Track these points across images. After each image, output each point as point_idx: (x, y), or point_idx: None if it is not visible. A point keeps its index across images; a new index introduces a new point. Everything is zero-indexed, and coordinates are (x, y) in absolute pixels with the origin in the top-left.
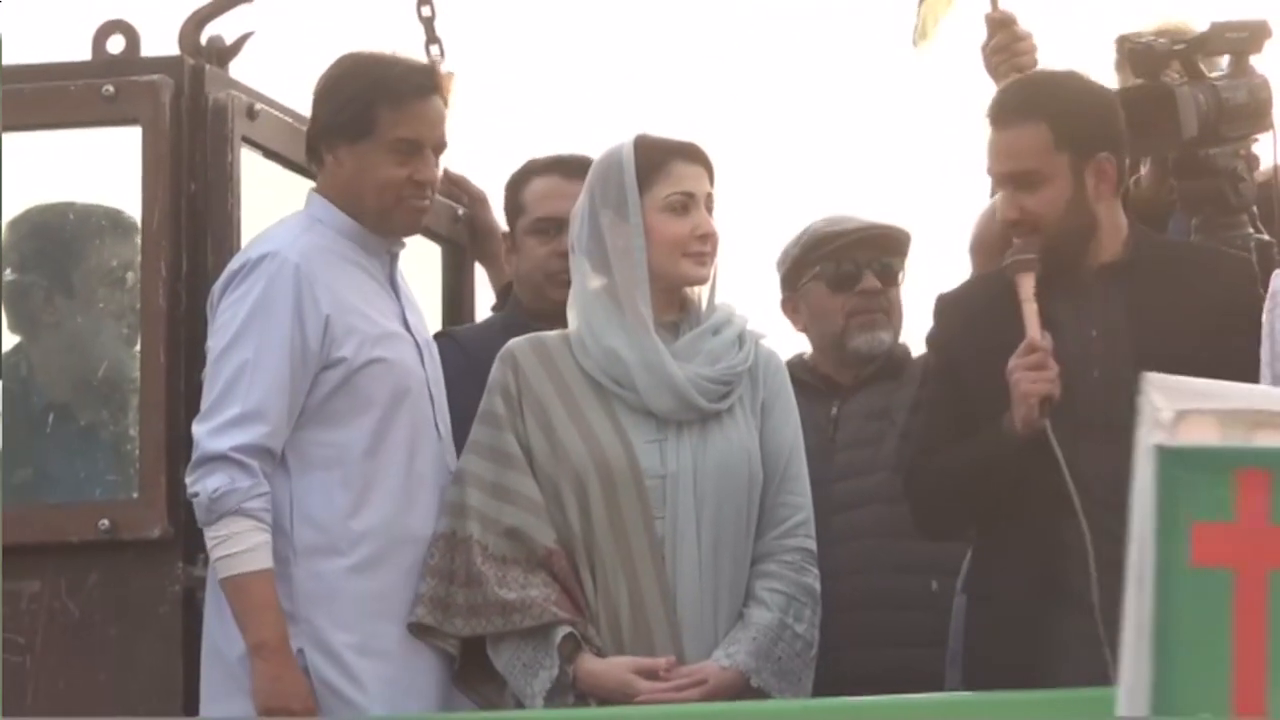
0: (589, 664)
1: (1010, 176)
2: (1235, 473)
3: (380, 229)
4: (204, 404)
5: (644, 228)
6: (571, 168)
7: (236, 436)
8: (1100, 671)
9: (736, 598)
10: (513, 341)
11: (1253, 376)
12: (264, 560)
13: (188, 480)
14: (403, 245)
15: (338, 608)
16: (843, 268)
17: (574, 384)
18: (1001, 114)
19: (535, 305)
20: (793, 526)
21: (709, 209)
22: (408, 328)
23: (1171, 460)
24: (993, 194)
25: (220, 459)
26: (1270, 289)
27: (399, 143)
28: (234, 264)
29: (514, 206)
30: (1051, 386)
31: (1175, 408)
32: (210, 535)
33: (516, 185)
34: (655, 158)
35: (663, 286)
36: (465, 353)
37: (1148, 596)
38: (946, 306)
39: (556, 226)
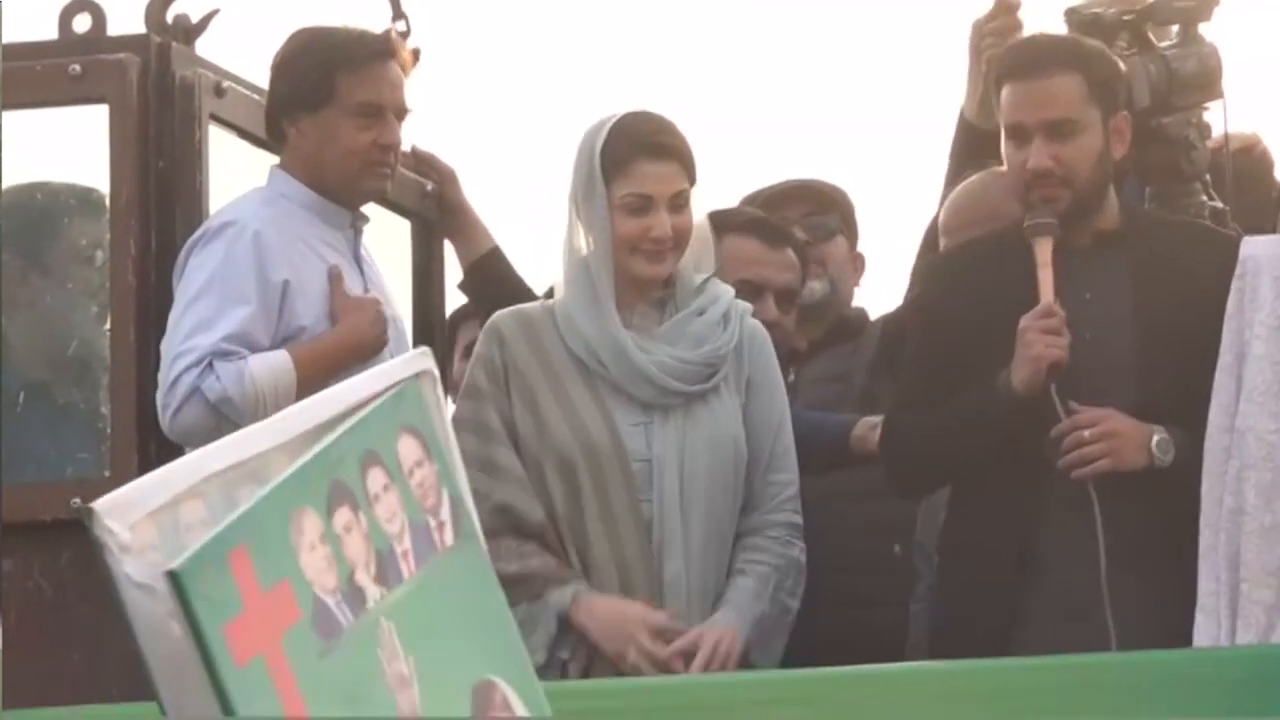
0: (588, 602)
1: (1046, 124)
2: (229, 559)
3: (346, 197)
4: (162, 361)
5: (608, 220)
6: (770, 234)
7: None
8: (1064, 639)
9: (725, 580)
10: (497, 315)
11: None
12: (282, 355)
13: (173, 420)
14: (366, 220)
15: None
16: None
17: (558, 362)
18: (1035, 64)
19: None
20: (780, 502)
21: (677, 206)
22: None
23: (184, 578)
24: (1009, 147)
25: (194, 369)
26: (1240, 255)
27: (361, 106)
28: (196, 234)
29: None
30: (1063, 353)
31: (127, 524)
32: (256, 404)
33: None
34: (622, 152)
35: (622, 278)
36: None
37: (215, 711)
38: (935, 268)
39: (756, 292)
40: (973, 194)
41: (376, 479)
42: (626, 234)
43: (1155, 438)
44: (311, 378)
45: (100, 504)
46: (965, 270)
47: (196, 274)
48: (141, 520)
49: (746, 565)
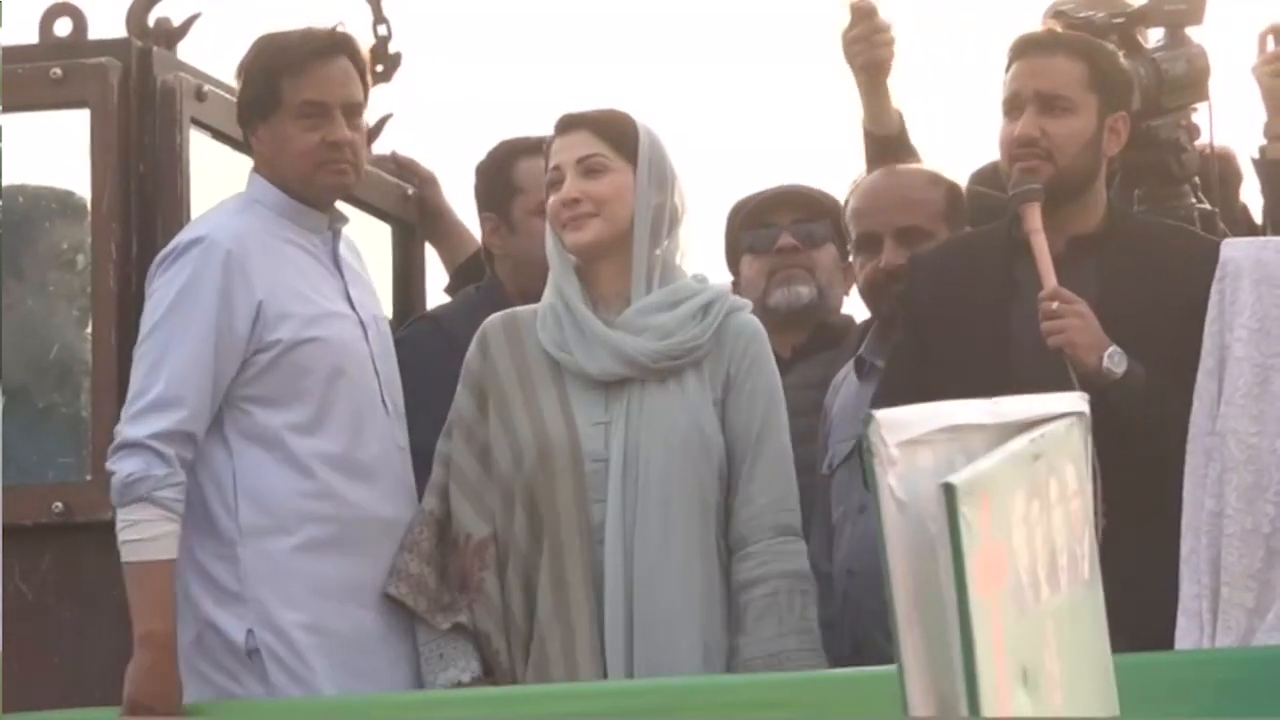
0: None
1: (1039, 96)
2: (981, 498)
3: (311, 198)
4: (129, 390)
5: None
6: None
7: (155, 423)
8: None
9: (692, 576)
10: (489, 319)
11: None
12: (168, 550)
13: (107, 463)
14: (345, 220)
15: (286, 586)
16: (760, 231)
17: (533, 363)
18: (1041, 45)
19: (536, 286)
20: (767, 504)
21: (589, 170)
22: (351, 305)
23: (959, 495)
24: (1003, 124)
25: (137, 445)
26: (1220, 258)
27: (304, 107)
28: (167, 248)
29: (503, 188)
30: (1068, 335)
31: (896, 440)
32: (120, 518)
33: (502, 166)
34: (547, 139)
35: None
36: (446, 335)
37: (953, 623)
38: (919, 264)
39: None
40: (882, 183)
41: (1055, 489)
42: (549, 210)
43: (1110, 348)
44: (131, 581)
45: (882, 415)
46: (948, 267)
47: (162, 295)
48: (899, 444)
49: (750, 600)
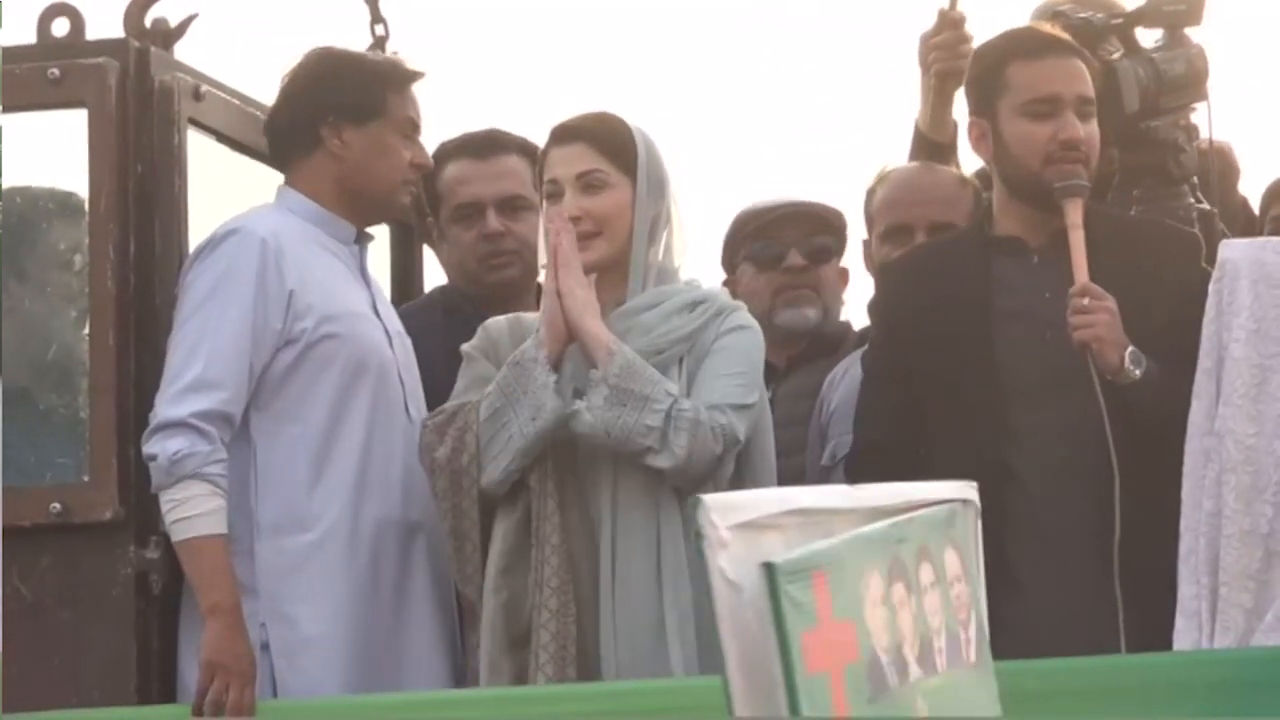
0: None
1: (1080, 99)
2: (812, 577)
3: (378, 208)
4: (164, 374)
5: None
6: (480, 147)
7: (195, 403)
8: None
9: (678, 562)
10: (493, 318)
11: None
12: (219, 525)
13: (144, 445)
14: (371, 238)
15: (300, 582)
16: (768, 246)
17: None
18: (1059, 45)
19: (471, 290)
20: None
21: (589, 186)
22: (379, 316)
23: (779, 576)
24: (1023, 122)
25: (179, 424)
26: (1219, 259)
27: (406, 122)
28: (202, 241)
29: (433, 195)
30: (1094, 331)
31: (726, 524)
32: (167, 498)
33: (434, 172)
34: (544, 147)
35: None
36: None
37: (782, 706)
38: (889, 272)
39: (477, 210)
40: (918, 177)
41: (926, 573)
42: (547, 220)
43: (1130, 347)
44: (187, 558)
45: (710, 499)
46: (919, 277)
47: (201, 283)
48: (734, 526)
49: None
